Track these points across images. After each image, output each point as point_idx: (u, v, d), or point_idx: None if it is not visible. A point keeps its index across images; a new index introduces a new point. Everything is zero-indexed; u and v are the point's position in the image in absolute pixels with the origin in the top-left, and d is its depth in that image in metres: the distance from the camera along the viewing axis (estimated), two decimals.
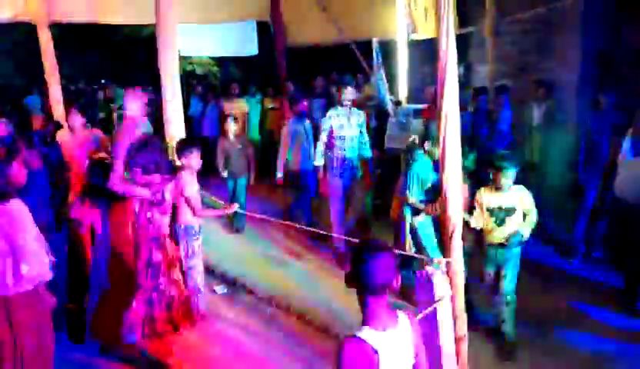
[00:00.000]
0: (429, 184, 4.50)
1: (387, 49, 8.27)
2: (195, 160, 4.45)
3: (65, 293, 4.11)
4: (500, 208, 3.99)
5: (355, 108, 5.81)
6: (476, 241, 4.32)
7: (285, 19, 9.44)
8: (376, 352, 2.00)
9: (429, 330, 2.96)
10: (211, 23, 9.08)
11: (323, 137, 5.64)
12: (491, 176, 4.02)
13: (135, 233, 3.82)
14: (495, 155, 4.13)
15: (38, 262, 3.19)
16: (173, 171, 4.53)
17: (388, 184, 6.07)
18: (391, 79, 8.00)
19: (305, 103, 6.57)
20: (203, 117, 9.73)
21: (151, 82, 10.35)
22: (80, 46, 14.57)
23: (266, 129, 9.48)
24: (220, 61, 15.64)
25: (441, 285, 3.06)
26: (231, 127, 6.67)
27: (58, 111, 6.55)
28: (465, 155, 3.41)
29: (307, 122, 6.49)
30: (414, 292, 3.17)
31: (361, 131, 5.77)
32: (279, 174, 6.39)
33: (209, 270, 5.33)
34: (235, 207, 4.79)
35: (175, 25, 4.59)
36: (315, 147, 5.83)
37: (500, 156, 4.06)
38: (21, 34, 12.10)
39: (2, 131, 6.80)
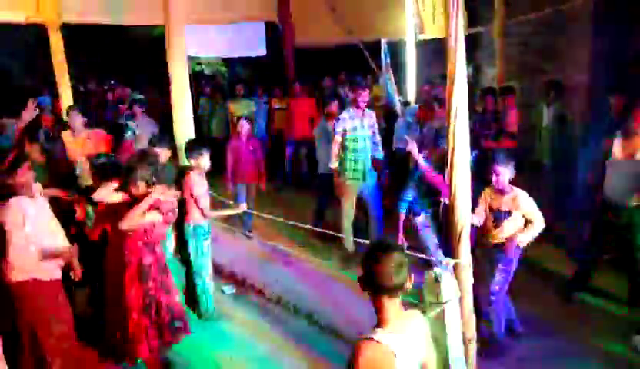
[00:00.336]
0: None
1: (395, 49, 8.26)
2: (204, 160, 4.48)
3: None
4: (499, 210, 3.95)
5: (368, 109, 5.74)
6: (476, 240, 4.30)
7: (293, 19, 9.47)
8: (395, 355, 1.96)
9: (438, 331, 2.96)
10: (219, 24, 9.12)
11: (337, 138, 5.57)
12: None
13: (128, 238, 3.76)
14: (493, 155, 4.06)
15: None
16: (176, 178, 4.58)
17: (396, 184, 6.05)
18: (400, 79, 7.98)
19: (337, 103, 6.39)
20: (212, 117, 9.76)
21: (161, 83, 10.41)
22: (90, 47, 14.66)
23: (274, 130, 9.48)
24: (228, 62, 15.69)
25: (449, 287, 3.05)
26: (244, 129, 6.40)
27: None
28: None
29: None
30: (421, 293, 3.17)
31: (373, 132, 5.73)
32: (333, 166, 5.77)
33: (218, 271, 5.36)
34: (244, 207, 4.81)
35: (183, 26, 4.63)
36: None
37: (496, 156, 3.99)
38: (32, 35, 12.19)
39: (47, 121, 6.94)
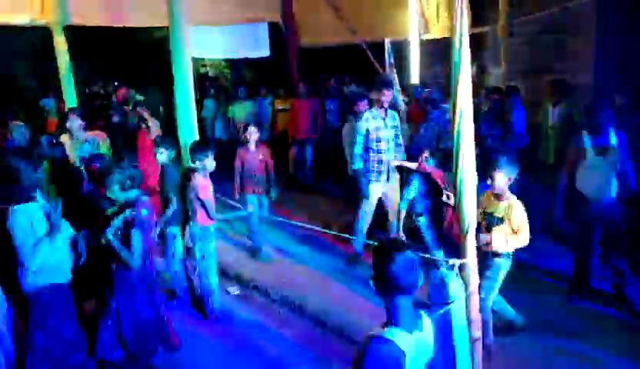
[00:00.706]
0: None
1: (399, 49, 8.25)
2: (209, 162, 4.48)
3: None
4: (492, 214, 3.87)
5: (390, 109, 5.59)
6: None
7: (297, 20, 9.48)
8: (403, 353, 1.96)
9: (443, 331, 2.94)
10: (223, 25, 9.12)
11: (360, 139, 5.42)
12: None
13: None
14: (492, 157, 3.94)
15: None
16: (181, 180, 4.56)
17: (402, 185, 6.04)
18: (404, 80, 7.96)
19: (366, 102, 6.14)
20: (216, 119, 9.78)
21: (165, 84, 10.43)
22: (94, 49, 14.70)
23: (277, 131, 9.49)
24: (232, 63, 15.71)
25: (455, 287, 3.04)
26: (253, 136, 5.97)
27: None
28: None
29: None
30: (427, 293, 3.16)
31: (396, 134, 5.59)
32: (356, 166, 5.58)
33: (223, 271, 5.36)
34: (251, 208, 4.80)
35: (186, 28, 4.62)
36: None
37: (493, 159, 3.86)
38: (37, 36, 12.24)
39: (52, 124, 6.82)
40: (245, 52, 10.67)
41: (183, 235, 4.94)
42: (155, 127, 6.66)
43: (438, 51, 8.40)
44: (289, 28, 9.53)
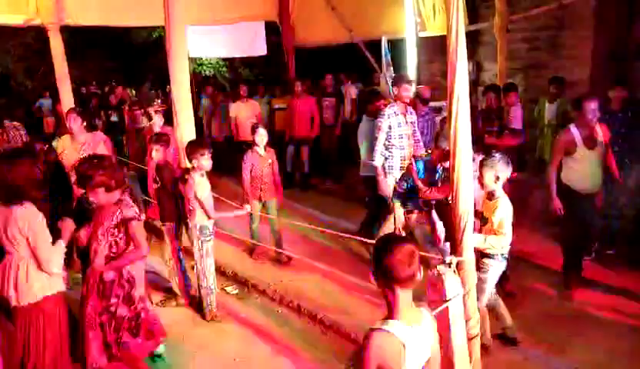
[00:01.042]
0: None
1: (396, 47, 8.24)
2: (205, 161, 4.47)
3: None
4: (483, 214, 3.84)
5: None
6: None
7: (294, 19, 9.46)
8: (403, 346, 2.01)
9: (441, 328, 2.94)
10: (220, 24, 9.10)
11: (382, 136, 5.31)
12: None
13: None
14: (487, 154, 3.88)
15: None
16: (179, 179, 4.54)
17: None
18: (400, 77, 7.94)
19: (383, 102, 5.99)
20: (213, 118, 9.75)
21: (162, 83, 10.42)
22: (91, 49, 14.70)
23: (275, 130, 9.44)
24: (229, 62, 15.70)
25: (452, 284, 3.04)
26: (263, 139, 5.66)
27: None
28: None
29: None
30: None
31: (414, 130, 5.54)
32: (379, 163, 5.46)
33: (221, 271, 5.36)
34: (248, 208, 4.79)
35: (183, 27, 4.62)
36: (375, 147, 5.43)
37: (487, 156, 3.79)
38: (33, 37, 12.23)
39: (50, 125, 6.72)
40: (242, 51, 10.64)
41: (181, 234, 4.95)
42: (159, 124, 6.66)
43: (436, 49, 8.39)
44: (286, 27, 9.51)
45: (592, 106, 4.54)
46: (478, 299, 3.72)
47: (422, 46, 7.90)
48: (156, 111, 6.95)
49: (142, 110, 7.88)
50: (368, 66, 8.32)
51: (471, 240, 3.20)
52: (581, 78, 6.97)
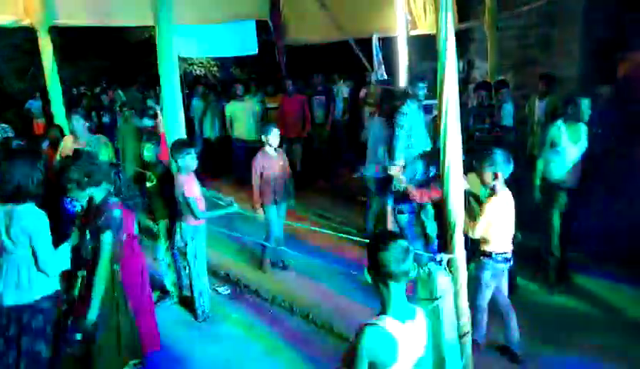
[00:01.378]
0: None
1: (387, 45, 8.24)
2: (190, 161, 4.43)
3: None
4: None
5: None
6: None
7: (284, 17, 9.45)
8: (396, 342, 2.03)
9: (432, 326, 2.95)
10: (210, 23, 9.07)
11: (403, 134, 5.19)
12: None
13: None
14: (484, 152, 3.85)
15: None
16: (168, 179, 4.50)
17: None
18: (391, 75, 7.96)
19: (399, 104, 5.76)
20: (204, 118, 9.71)
21: (153, 83, 10.37)
22: (83, 49, 14.60)
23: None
24: (220, 61, 15.65)
25: (443, 282, 3.05)
26: (276, 140, 5.36)
27: (59, 115, 6.52)
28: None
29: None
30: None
31: (424, 126, 5.47)
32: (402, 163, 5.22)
33: (213, 271, 5.34)
34: (236, 207, 4.72)
35: (173, 27, 4.58)
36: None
37: (484, 154, 3.78)
38: (22, 37, 12.13)
39: (40, 127, 6.57)
40: (232, 50, 10.59)
41: (173, 235, 4.92)
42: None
43: (427, 47, 8.39)
44: (277, 26, 9.50)
45: (580, 102, 4.65)
46: (473, 298, 3.76)
47: (413, 44, 7.90)
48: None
49: (134, 110, 7.83)
50: (359, 64, 8.33)
51: (459, 239, 3.20)
52: (571, 74, 7.01)
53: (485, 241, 3.74)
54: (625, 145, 5.33)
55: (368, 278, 2.14)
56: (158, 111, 6.71)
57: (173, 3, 4.56)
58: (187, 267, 4.76)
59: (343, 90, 9.67)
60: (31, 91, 12.28)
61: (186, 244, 4.62)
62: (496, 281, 3.82)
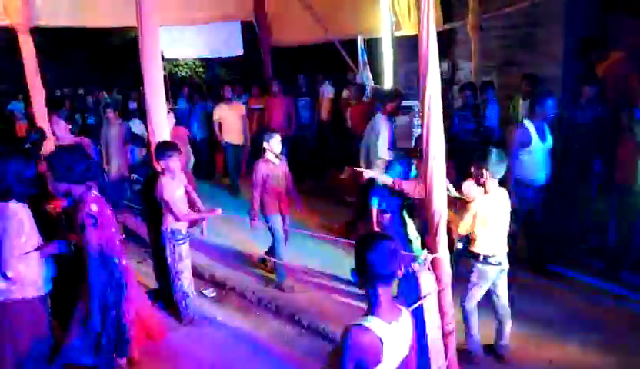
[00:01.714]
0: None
1: (372, 46, 8.27)
2: (173, 163, 4.40)
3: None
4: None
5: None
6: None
7: (270, 19, 9.44)
8: (381, 342, 2.03)
9: (415, 325, 2.96)
10: (195, 24, 9.03)
11: (417, 132, 5.23)
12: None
13: None
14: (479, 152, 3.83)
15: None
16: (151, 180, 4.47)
17: None
18: (377, 76, 7.99)
19: (397, 103, 5.76)
20: (190, 119, 9.65)
21: (138, 84, 10.28)
22: (66, 51, 14.45)
23: (253, 130, 9.36)
24: (206, 62, 15.58)
25: (426, 282, 3.06)
26: (278, 146, 5.16)
27: (42, 117, 6.44)
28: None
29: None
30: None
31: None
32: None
33: (198, 274, 5.30)
34: (219, 211, 4.66)
35: (156, 28, 4.53)
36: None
37: (480, 152, 3.75)
38: (3, 38, 11.97)
39: (22, 128, 6.61)
40: (218, 51, 10.55)
41: (155, 237, 4.88)
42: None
43: (411, 48, 8.43)
44: (262, 27, 9.48)
45: (547, 101, 4.85)
46: (463, 299, 3.80)
47: (398, 45, 7.93)
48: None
49: (117, 112, 7.77)
50: (344, 66, 8.33)
51: (443, 239, 3.21)
52: (555, 74, 7.08)
53: (473, 240, 3.74)
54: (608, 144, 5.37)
55: (355, 279, 2.14)
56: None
57: (157, 3, 4.51)
58: (169, 269, 4.71)
59: (328, 91, 9.67)
60: (13, 92, 12.13)
61: (167, 246, 4.57)
62: (488, 284, 3.79)
